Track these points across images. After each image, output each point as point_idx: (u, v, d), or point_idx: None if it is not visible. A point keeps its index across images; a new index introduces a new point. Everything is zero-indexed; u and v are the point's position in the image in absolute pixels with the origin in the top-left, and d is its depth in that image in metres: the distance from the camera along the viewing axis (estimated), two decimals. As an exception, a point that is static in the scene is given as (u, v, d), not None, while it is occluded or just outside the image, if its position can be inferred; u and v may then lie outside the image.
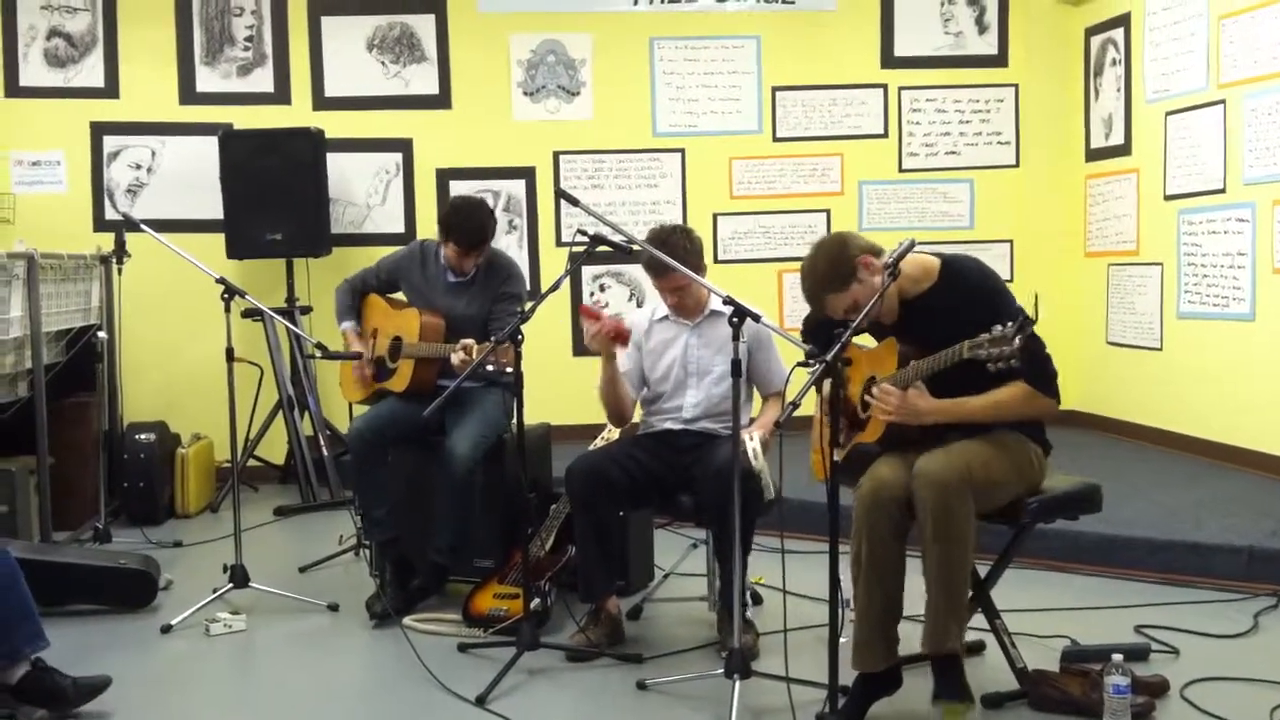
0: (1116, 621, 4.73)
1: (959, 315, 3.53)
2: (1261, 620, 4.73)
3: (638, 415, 4.94)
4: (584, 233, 4.35)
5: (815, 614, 4.51)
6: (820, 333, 3.93)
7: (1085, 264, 8.41)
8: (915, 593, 3.75)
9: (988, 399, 3.67)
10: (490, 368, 4.31)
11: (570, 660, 4.46)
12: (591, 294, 8.34)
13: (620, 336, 4.52)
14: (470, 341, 4.79)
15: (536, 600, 4.62)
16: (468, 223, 5.13)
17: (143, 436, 6.94)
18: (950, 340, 3.48)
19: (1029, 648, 4.17)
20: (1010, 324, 3.29)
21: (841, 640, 3.62)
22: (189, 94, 8.06)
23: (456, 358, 4.74)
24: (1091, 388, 8.23)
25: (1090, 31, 8.28)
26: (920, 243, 3.73)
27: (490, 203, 8.04)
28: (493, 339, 4.41)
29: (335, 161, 7.82)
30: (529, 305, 4.45)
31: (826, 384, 3.54)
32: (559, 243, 8.31)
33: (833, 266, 3.74)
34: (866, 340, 4.03)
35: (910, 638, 3.84)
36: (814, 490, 4.32)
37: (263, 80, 8.12)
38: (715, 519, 4.40)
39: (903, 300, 3.80)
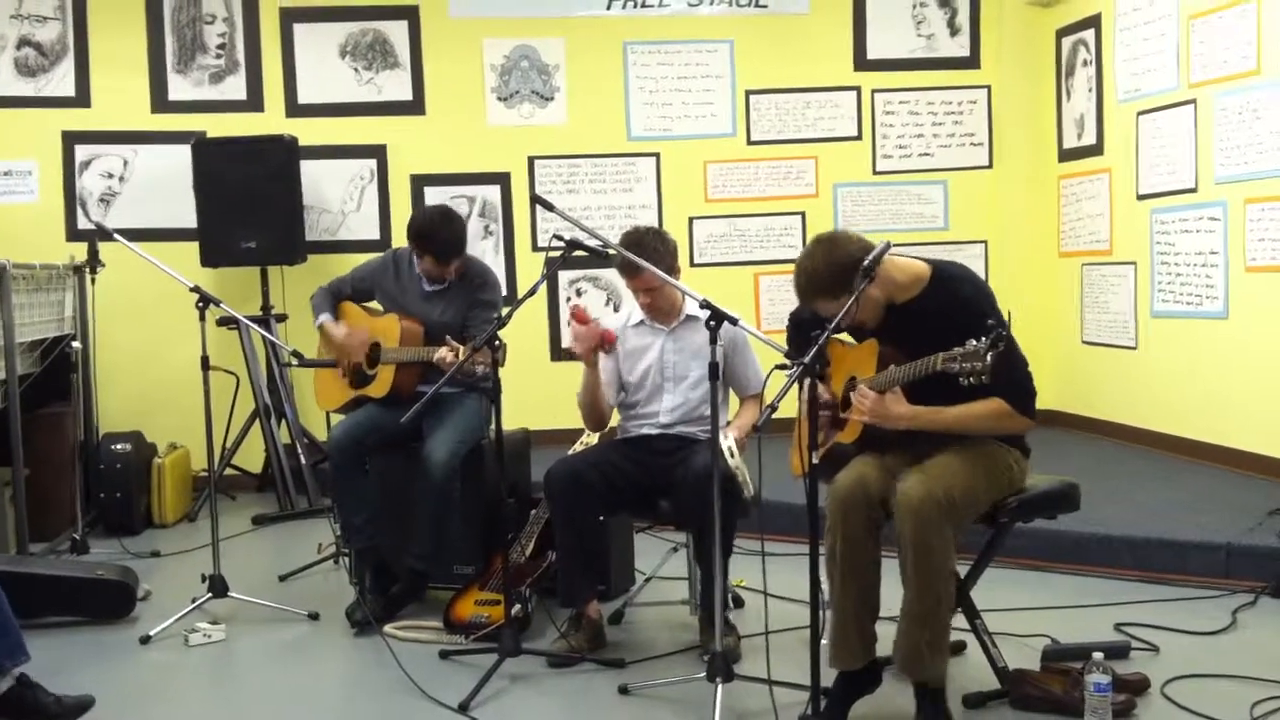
0: (1096, 620, 4.75)
1: (942, 324, 3.51)
2: (1240, 617, 4.76)
3: (616, 420, 4.94)
4: (560, 237, 4.35)
5: (797, 616, 4.51)
6: (803, 330, 3.92)
7: (1059, 264, 8.45)
8: (893, 592, 3.76)
9: (963, 411, 3.65)
10: (479, 369, 4.29)
11: (552, 666, 4.45)
12: (568, 299, 8.34)
13: (605, 344, 4.53)
14: (456, 344, 4.79)
15: (517, 606, 4.61)
16: (442, 235, 5.12)
17: (118, 446, 6.90)
18: (929, 347, 3.48)
19: (1009, 647, 4.19)
20: (984, 339, 3.29)
21: (823, 642, 3.63)
22: (161, 102, 8.02)
23: (443, 350, 4.73)
24: (1067, 387, 8.27)
25: (1061, 33, 8.32)
26: (895, 245, 3.73)
27: (465, 208, 8.16)
28: (470, 344, 4.40)
29: (309, 168, 7.80)
30: (506, 311, 4.44)
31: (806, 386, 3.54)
32: (535, 248, 8.30)
33: (831, 273, 3.67)
34: (851, 337, 4.04)
35: (889, 637, 3.85)
36: (794, 492, 4.33)
37: (235, 88, 8.09)
38: (695, 523, 4.40)
39: (889, 305, 3.80)
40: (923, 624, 3.57)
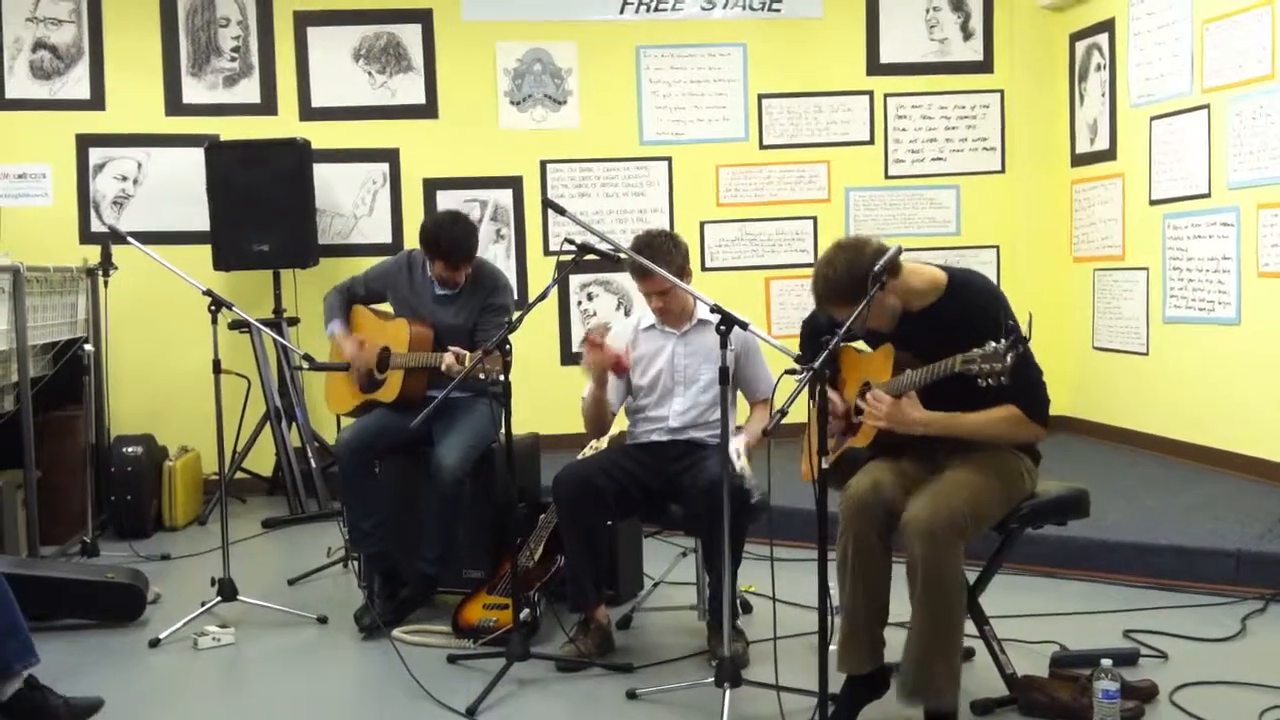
0: (1105, 626, 4.74)
1: (960, 330, 3.50)
2: (1250, 624, 4.74)
3: (624, 424, 4.94)
4: (571, 241, 4.35)
5: (805, 622, 4.50)
6: (817, 335, 3.92)
7: (1071, 269, 8.43)
8: (902, 598, 3.75)
9: (978, 418, 3.66)
10: (481, 375, 4.30)
11: (560, 670, 4.45)
12: (579, 303, 8.35)
13: (619, 369, 4.56)
14: (461, 350, 4.80)
15: (526, 610, 4.61)
16: (453, 239, 5.12)
17: (130, 449, 6.92)
18: (945, 354, 3.47)
19: (1018, 653, 4.18)
20: (1004, 341, 3.29)
21: (831, 648, 3.62)
22: (175, 105, 8.05)
23: (449, 358, 4.73)
24: (1078, 392, 8.25)
25: (1075, 37, 8.30)
26: (907, 249, 3.72)
27: (477, 212, 8.17)
28: (481, 348, 4.40)
29: (322, 172, 7.82)
30: (516, 315, 4.45)
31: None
32: (546, 251, 8.30)
33: (851, 281, 3.64)
34: (866, 345, 4.03)
35: (897, 644, 3.84)
36: (803, 497, 4.31)
37: (249, 91, 8.11)
38: (705, 528, 4.40)
39: (906, 312, 3.79)
40: (935, 652, 3.55)
